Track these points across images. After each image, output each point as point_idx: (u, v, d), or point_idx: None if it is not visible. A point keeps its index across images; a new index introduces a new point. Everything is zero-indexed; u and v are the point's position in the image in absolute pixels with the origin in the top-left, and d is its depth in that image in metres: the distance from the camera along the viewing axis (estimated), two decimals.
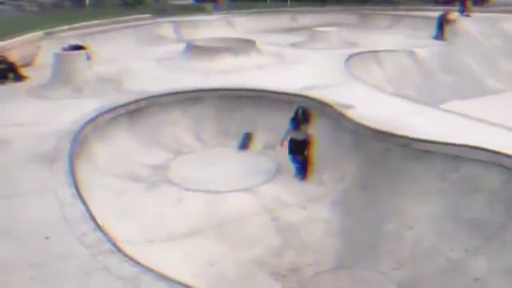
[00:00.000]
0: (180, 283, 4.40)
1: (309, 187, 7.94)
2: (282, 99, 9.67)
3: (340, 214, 7.31)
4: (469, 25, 17.95)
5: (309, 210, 7.47)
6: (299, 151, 7.99)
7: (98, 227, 5.02)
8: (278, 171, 8.61)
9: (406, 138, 7.62)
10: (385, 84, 12.77)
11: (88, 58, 10.56)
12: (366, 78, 11.67)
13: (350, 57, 13.20)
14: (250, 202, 7.55)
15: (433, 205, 6.93)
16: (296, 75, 11.52)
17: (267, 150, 9.31)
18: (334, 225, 7.12)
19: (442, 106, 10.66)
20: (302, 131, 7.84)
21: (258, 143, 9.56)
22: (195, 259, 6.09)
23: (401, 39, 16.98)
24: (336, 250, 6.68)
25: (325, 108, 9.12)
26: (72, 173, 6.33)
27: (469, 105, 12.07)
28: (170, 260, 5.70)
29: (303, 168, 8.11)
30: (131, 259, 4.56)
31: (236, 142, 9.60)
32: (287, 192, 7.86)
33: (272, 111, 8.90)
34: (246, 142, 9.01)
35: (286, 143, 8.02)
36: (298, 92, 9.86)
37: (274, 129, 8.62)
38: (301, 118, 7.74)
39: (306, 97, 9.51)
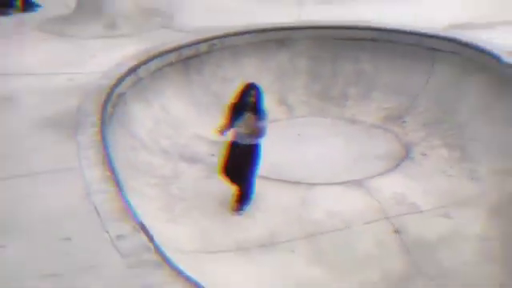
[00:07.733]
0: None
1: (455, 183, 6.50)
2: (414, 43, 7.80)
3: (507, 226, 5.88)
4: None
5: (455, 219, 5.99)
6: (238, 166, 5.81)
7: (139, 227, 4.37)
8: (406, 156, 6.99)
9: None
10: None
11: None
12: None
13: None
14: (361, 202, 6.34)
15: None
16: (437, 4, 9.84)
17: (390, 121, 7.52)
18: (495, 244, 5.75)
19: None
20: (248, 128, 5.67)
21: (375, 111, 7.83)
22: (275, 281, 5.24)
23: None
24: (498, 283, 5.34)
25: (492, 60, 7.15)
26: (103, 146, 5.48)
27: None
28: (237, 280, 5.11)
29: (241, 194, 6.14)
30: (183, 275, 3.90)
31: (341, 108, 8.00)
32: (419, 189, 6.42)
33: (398, 63, 7.38)
34: None
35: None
36: (441, 32, 7.86)
37: (400, 89, 7.37)
38: (249, 101, 5.60)
39: (455, 40, 7.61)
